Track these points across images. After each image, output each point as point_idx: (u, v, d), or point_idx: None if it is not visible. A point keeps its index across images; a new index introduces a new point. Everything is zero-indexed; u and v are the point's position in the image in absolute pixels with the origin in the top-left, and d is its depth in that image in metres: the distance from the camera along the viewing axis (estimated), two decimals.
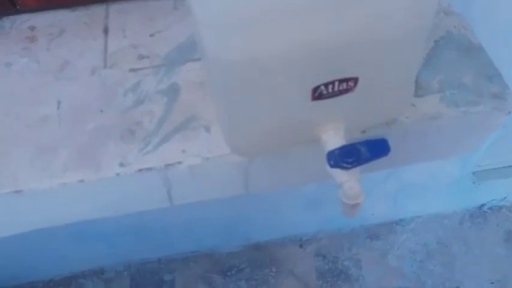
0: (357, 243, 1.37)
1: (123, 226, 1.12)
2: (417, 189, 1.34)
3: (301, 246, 1.39)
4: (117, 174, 0.50)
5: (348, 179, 0.43)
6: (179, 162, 0.51)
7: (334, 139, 0.45)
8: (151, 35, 0.61)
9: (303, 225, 1.40)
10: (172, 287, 1.29)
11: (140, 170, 0.50)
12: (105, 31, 0.61)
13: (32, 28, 0.62)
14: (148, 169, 0.50)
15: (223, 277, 1.29)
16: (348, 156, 0.42)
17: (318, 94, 0.41)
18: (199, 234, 1.27)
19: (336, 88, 0.41)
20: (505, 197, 1.44)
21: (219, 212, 1.15)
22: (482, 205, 1.50)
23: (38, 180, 0.50)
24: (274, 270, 1.33)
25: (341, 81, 0.41)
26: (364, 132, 0.52)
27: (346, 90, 0.42)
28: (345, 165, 0.42)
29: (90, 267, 1.33)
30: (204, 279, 1.30)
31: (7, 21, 0.63)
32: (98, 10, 0.63)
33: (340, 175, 0.44)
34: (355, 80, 0.41)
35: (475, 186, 1.33)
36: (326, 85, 0.40)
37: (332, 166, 0.43)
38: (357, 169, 0.43)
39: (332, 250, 1.38)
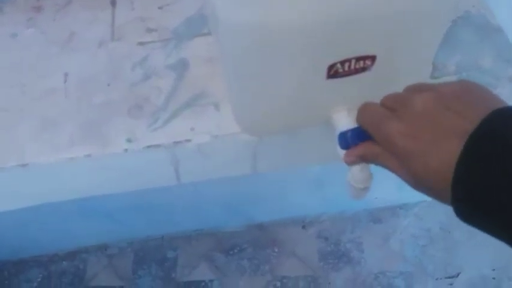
0: (360, 226, 1.37)
1: (128, 203, 1.12)
2: None
3: (303, 227, 1.39)
4: (125, 150, 0.49)
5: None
6: (188, 140, 0.50)
7: (346, 120, 0.43)
8: (159, 8, 0.59)
9: (306, 206, 1.40)
10: (175, 264, 1.29)
11: (148, 147, 0.49)
12: (113, 3, 0.60)
13: None
14: (157, 146, 0.49)
15: (226, 256, 1.30)
16: (359, 138, 0.40)
17: (333, 72, 0.40)
18: (202, 213, 1.27)
19: (352, 66, 0.40)
20: None
21: (223, 191, 1.15)
22: None
23: (44, 154, 0.49)
24: (276, 250, 1.33)
25: (358, 59, 0.39)
26: None
27: (363, 69, 0.40)
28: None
29: (94, 243, 1.33)
30: (207, 257, 1.30)
31: None
32: None
33: None
34: (373, 58, 0.40)
35: None
36: (342, 63, 0.39)
37: (343, 147, 0.42)
38: None
39: (334, 232, 1.38)
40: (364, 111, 0.37)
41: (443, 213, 1.48)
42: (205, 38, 0.57)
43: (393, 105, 0.34)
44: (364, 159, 0.38)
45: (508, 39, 0.54)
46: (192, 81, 0.53)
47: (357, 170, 0.42)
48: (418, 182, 0.32)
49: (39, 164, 0.49)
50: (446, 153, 0.28)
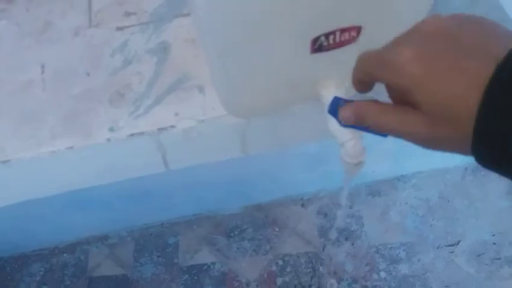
0: (359, 200, 1.37)
1: (124, 192, 1.11)
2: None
3: (302, 205, 1.39)
4: (108, 139, 0.48)
5: (350, 137, 0.41)
6: (172, 126, 0.48)
7: (336, 94, 0.42)
8: None
9: (304, 184, 1.39)
10: (177, 249, 1.29)
11: (132, 135, 0.48)
12: None
13: None
14: (140, 133, 0.48)
15: (227, 238, 1.30)
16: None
17: (317, 46, 0.38)
18: (200, 197, 1.26)
19: (337, 39, 0.38)
20: None
21: (218, 174, 1.14)
22: None
23: (26, 149, 0.48)
24: (276, 229, 1.33)
25: (343, 30, 0.37)
26: None
27: (349, 41, 0.39)
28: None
29: (93, 234, 1.33)
30: (208, 241, 1.30)
31: None
32: None
33: (342, 133, 0.41)
34: (358, 29, 0.38)
35: None
36: (327, 35, 0.37)
37: (330, 112, 0.39)
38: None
39: (334, 208, 1.38)
40: (362, 57, 0.30)
41: (442, 182, 1.47)
42: (185, 18, 0.54)
43: (397, 40, 0.28)
44: (362, 117, 0.31)
45: (499, 2, 0.51)
46: (174, 64, 0.51)
47: (349, 145, 0.41)
48: (435, 121, 0.25)
49: (21, 160, 0.48)
50: (472, 76, 0.23)
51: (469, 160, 1.58)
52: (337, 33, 0.37)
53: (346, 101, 0.37)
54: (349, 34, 0.38)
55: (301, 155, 1.21)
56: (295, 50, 0.38)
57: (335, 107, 0.37)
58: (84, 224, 1.26)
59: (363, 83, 0.32)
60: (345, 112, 0.33)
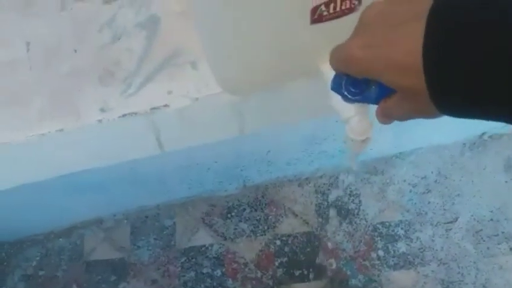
0: (356, 178, 1.36)
1: (117, 175, 1.09)
2: (416, 121, 1.30)
3: (299, 185, 1.38)
4: (99, 120, 0.46)
5: (355, 113, 0.39)
6: (166, 105, 0.46)
7: None
8: None
9: (301, 164, 1.38)
10: (174, 231, 1.29)
11: (124, 115, 0.46)
12: None
13: None
14: (133, 114, 0.46)
15: (224, 219, 1.29)
16: (354, 87, 0.36)
17: (317, 16, 0.36)
18: (195, 179, 1.25)
19: (337, 7, 0.36)
20: (506, 124, 1.41)
21: (213, 155, 1.12)
22: (483, 133, 1.48)
23: (13, 132, 0.46)
24: (274, 210, 1.33)
25: None
26: None
27: (350, 10, 0.36)
28: (350, 96, 0.37)
29: (89, 218, 1.32)
30: (205, 222, 1.29)
31: None
32: None
33: (346, 109, 0.39)
34: None
35: None
36: (327, 4, 0.35)
37: (333, 89, 0.37)
38: (366, 105, 0.39)
39: (331, 187, 1.37)
40: (330, 56, 0.33)
41: (439, 159, 1.47)
42: None
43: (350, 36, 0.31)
44: (389, 116, 0.34)
45: None
46: (165, 38, 0.49)
47: (355, 121, 0.39)
48: (402, 95, 0.28)
49: (9, 144, 0.46)
50: (409, 39, 0.24)
51: (468, 136, 1.57)
52: (338, 2, 0.35)
53: (349, 77, 0.35)
54: (351, 2, 0.36)
55: (296, 133, 1.19)
56: (294, 21, 0.36)
57: (338, 84, 0.35)
58: (79, 208, 1.25)
59: None
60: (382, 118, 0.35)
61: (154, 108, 0.46)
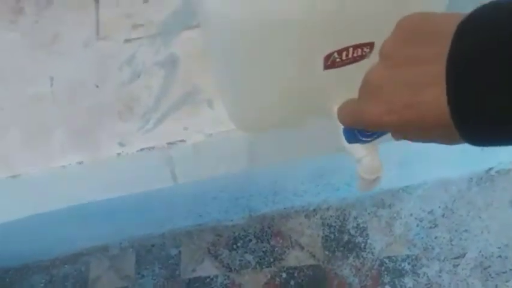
0: (363, 211, 1.36)
1: (125, 204, 1.10)
2: (423, 155, 1.32)
3: (306, 216, 1.38)
4: (118, 154, 0.47)
5: (367, 153, 0.40)
6: (182, 141, 0.48)
7: None
8: (145, 1, 0.56)
9: (308, 195, 1.38)
10: (179, 261, 1.28)
11: (142, 150, 0.47)
12: None
13: None
14: (150, 148, 0.47)
15: (229, 250, 1.28)
16: (367, 129, 0.38)
17: (330, 62, 0.38)
18: (202, 208, 1.25)
19: (350, 55, 0.37)
20: None
21: (222, 186, 1.13)
22: (490, 169, 1.48)
23: (35, 163, 0.48)
24: (280, 241, 1.32)
25: (355, 47, 0.37)
26: None
27: (361, 57, 0.38)
28: (364, 139, 0.39)
29: (94, 245, 1.32)
30: (210, 252, 1.29)
31: None
32: None
33: (358, 150, 0.40)
34: (371, 46, 0.38)
35: (481, 149, 1.30)
36: (339, 52, 0.37)
37: (350, 142, 0.39)
38: (376, 141, 0.40)
39: (338, 220, 1.37)
40: (340, 111, 0.34)
41: (446, 193, 1.47)
42: (194, 30, 0.54)
43: (360, 97, 0.31)
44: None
45: None
46: (183, 77, 0.51)
47: (367, 160, 0.40)
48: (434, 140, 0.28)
49: (31, 174, 0.47)
50: (433, 102, 0.24)
51: (474, 170, 1.57)
52: (350, 50, 0.37)
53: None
54: (362, 50, 0.37)
55: (305, 166, 1.20)
56: (308, 66, 0.38)
57: (351, 134, 0.37)
58: (85, 234, 1.25)
59: None
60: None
61: (170, 143, 0.48)
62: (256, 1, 0.32)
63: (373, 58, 0.39)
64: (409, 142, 0.33)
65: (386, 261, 1.30)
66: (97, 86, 0.51)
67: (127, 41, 0.54)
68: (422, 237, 1.36)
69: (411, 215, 1.40)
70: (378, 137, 0.38)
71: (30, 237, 1.17)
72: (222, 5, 0.32)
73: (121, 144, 0.47)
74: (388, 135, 0.39)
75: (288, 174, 1.22)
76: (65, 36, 0.54)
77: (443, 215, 1.39)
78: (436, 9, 0.40)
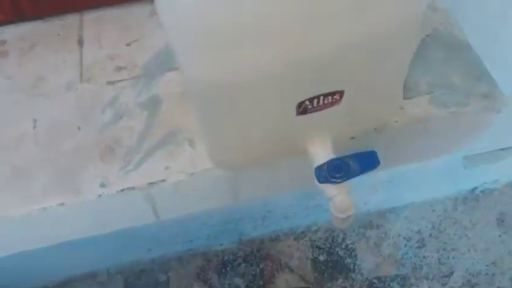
0: (351, 233, 1.37)
1: (113, 232, 1.10)
2: (409, 176, 1.34)
3: (295, 239, 1.39)
4: (99, 195, 0.48)
5: (337, 193, 0.42)
6: (163, 180, 0.49)
7: (321, 152, 0.43)
8: (127, 44, 0.58)
9: (297, 218, 1.39)
10: (167, 286, 1.28)
11: (122, 190, 0.48)
12: (80, 42, 0.59)
13: (1, 43, 0.59)
14: (131, 188, 0.48)
15: (218, 275, 1.28)
16: (336, 171, 0.40)
17: (302, 109, 0.39)
18: (191, 234, 1.26)
19: (321, 102, 0.39)
20: (497, 180, 1.45)
21: (209, 214, 1.13)
22: (474, 188, 1.50)
23: (16, 205, 0.48)
24: (269, 264, 1.32)
25: (326, 95, 0.39)
26: (353, 138, 0.50)
27: (332, 104, 0.40)
28: (333, 180, 0.41)
29: (82, 272, 1.31)
30: (200, 278, 1.29)
31: None
32: (71, 20, 0.60)
33: (329, 189, 0.42)
34: (341, 93, 0.39)
35: (466, 170, 1.32)
36: (311, 100, 0.39)
37: (321, 182, 0.41)
38: (347, 182, 0.42)
39: (326, 241, 1.38)
40: None
41: (433, 213, 1.48)
42: (176, 72, 0.56)
43: None
44: None
45: (477, 55, 0.54)
46: (165, 118, 0.52)
47: (337, 200, 0.42)
48: None
49: (11, 216, 0.48)
50: None
51: (459, 190, 1.59)
52: (321, 98, 0.39)
53: (328, 163, 0.39)
54: (332, 97, 0.39)
55: (291, 192, 1.21)
56: (281, 114, 0.40)
57: (323, 176, 0.39)
58: (73, 262, 1.25)
59: None
60: None
61: (151, 183, 0.49)
62: (231, 66, 0.33)
63: (343, 104, 0.41)
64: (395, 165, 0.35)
65: (376, 281, 1.30)
66: (79, 128, 0.52)
67: (110, 82, 0.55)
68: (411, 257, 1.37)
69: (399, 235, 1.41)
70: (348, 178, 0.40)
71: (17, 269, 1.16)
72: (198, 72, 0.34)
73: (102, 185, 0.48)
74: (359, 177, 0.41)
75: (277, 198, 1.23)
76: (49, 79, 0.55)
77: (430, 235, 1.40)
78: (404, 65, 0.42)
